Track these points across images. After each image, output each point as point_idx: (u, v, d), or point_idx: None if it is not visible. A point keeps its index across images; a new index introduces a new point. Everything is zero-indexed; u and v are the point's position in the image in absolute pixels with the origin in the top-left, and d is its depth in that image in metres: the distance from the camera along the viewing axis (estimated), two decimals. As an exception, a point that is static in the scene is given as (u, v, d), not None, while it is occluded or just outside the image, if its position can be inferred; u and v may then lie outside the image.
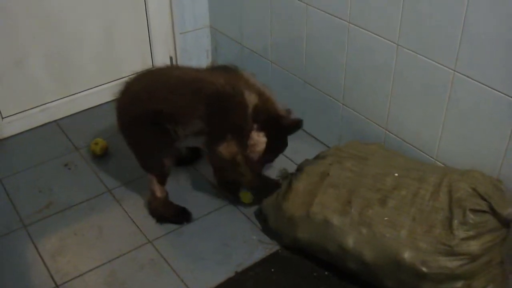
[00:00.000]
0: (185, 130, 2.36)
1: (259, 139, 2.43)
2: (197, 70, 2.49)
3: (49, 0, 2.97)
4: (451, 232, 1.98)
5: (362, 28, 2.46)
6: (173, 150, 2.45)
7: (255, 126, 2.40)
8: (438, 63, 2.20)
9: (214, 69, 2.52)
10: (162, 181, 2.50)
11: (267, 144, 2.45)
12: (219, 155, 2.37)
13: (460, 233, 1.97)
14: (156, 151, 2.42)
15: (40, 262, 2.36)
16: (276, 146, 2.54)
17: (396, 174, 2.22)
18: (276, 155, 2.62)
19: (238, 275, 2.29)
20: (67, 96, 3.25)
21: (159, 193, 2.51)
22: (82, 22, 3.13)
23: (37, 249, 2.42)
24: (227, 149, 2.36)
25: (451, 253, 1.96)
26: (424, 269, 1.97)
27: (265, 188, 2.55)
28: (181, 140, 2.40)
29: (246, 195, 2.59)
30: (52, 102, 3.21)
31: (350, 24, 2.51)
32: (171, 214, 2.53)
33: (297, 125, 2.51)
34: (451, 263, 1.96)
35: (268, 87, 2.50)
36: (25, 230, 2.50)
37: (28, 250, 2.41)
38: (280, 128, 2.47)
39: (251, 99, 2.35)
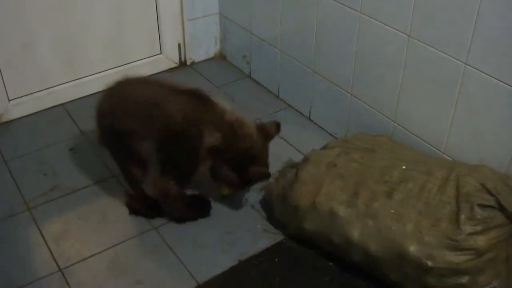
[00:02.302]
0: (139, 149, 2.28)
1: (226, 175, 2.32)
2: (162, 90, 2.32)
3: (58, -18, 2.96)
4: (458, 227, 1.96)
5: (373, 19, 2.43)
6: (139, 161, 2.33)
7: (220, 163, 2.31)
8: (450, 56, 2.18)
9: (182, 93, 2.28)
10: (132, 187, 2.44)
11: (239, 178, 2.33)
12: (155, 183, 2.34)
13: (467, 228, 1.95)
14: (122, 161, 2.41)
15: (44, 245, 2.35)
16: (248, 183, 2.39)
17: (404, 167, 2.21)
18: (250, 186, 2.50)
19: (242, 264, 2.28)
20: (74, 80, 3.23)
21: (131, 192, 2.47)
22: (91, 6, 3.11)
23: (40, 232, 2.41)
24: (163, 185, 2.33)
25: (457, 247, 1.94)
26: (429, 263, 1.96)
27: (187, 219, 2.48)
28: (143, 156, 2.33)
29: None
30: (59, 85, 3.19)
31: (361, 14, 2.48)
32: (143, 208, 2.48)
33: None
34: (457, 258, 1.94)
35: (245, 117, 2.32)
36: (29, 213, 2.50)
37: (31, 233, 2.41)
38: (246, 175, 2.32)
39: (210, 139, 2.22)
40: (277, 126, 2.43)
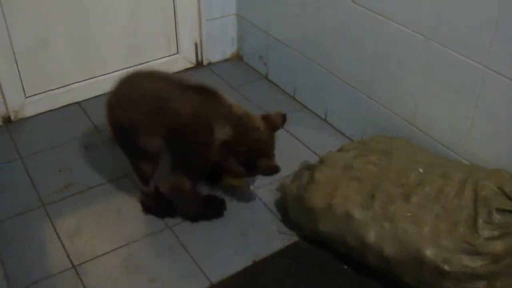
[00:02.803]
0: (145, 144, 2.28)
1: (235, 168, 2.31)
2: (168, 85, 2.29)
3: (77, -20, 2.97)
4: (476, 231, 1.94)
5: (390, 20, 2.41)
6: (148, 156, 2.34)
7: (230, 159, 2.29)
8: (468, 59, 2.16)
9: (190, 88, 2.26)
10: (143, 183, 2.44)
11: (246, 171, 2.32)
12: (169, 183, 2.34)
13: (485, 232, 1.93)
14: (130, 155, 2.41)
15: (58, 242, 2.35)
16: (256, 173, 2.39)
17: (421, 170, 2.19)
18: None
19: (256, 265, 2.27)
20: (90, 78, 3.24)
21: (144, 188, 2.46)
22: (108, 4, 3.12)
23: (55, 229, 2.41)
24: (175, 182, 2.32)
25: (475, 252, 1.92)
26: (446, 267, 1.93)
27: (202, 218, 2.47)
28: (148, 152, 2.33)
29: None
30: (75, 83, 3.20)
31: (379, 16, 2.46)
32: (156, 207, 2.48)
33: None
34: (474, 263, 1.92)
35: (251, 111, 2.32)
36: (44, 210, 2.50)
37: (46, 230, 2.41)
38: (256, 169, 2.31)
39: (222, 134, 2.20)
40: (283, 117, 2.41)
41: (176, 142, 2.23)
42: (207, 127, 2.19)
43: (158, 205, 2.48)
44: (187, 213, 2.45)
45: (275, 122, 2.37)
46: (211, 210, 2.48)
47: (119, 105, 2.30)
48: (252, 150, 2.27)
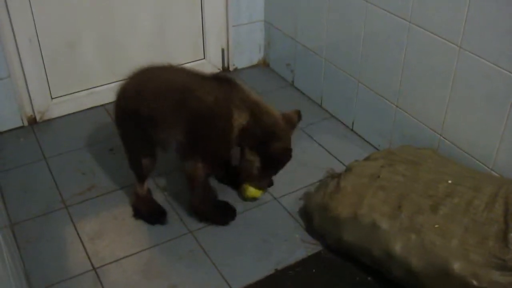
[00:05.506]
0: (164, 135, 2.29)
1: (251, 158, 2.29)
2: (189, 76, 2.33)
3: (105, -16, 2.98)
4: (506, 246, 1.88)
5: (423, 29, 2.37)
6: (153, 152, 2.38)
7: (246, 145, 2.29)
8: (502, 69, 2.11)
9: (209, 78, 2.32)
10: (139, 180, 2.45)
11: (262, 162, 2.30)
12: (185, 169, 2.34)
13: (516, 247, 1.87)
14: (135, 149, 2.40)
15: (79, 243, 2.34)
16: (272, 165, 2.36)
17: (450, 181, 2.14)
18: (275, 172, 2.42)
19: (278, 273, 2.23)
20: (116, 82, 3.23)
21: (138, 190, 2.47)
22: (136, 9, 3.12)
23: (76, 230, 2.40)
24: (191, 167, 2.31)
25: (505, 267, 1.86)
26: (474, 282, 1.87)
27: (209, 218, 2.45)
28: (162, 144, 2.35)
29: (250, 189, 2.50)
30: (101, 86, 3.21)
31: (411, 24, 2.42)
32: (147, 213, 2.47)
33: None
34: (504, 278, 1.85)
35: (265, 99, 2.32)
36: (66, 211, 2.49)
37: (67, 231, 2.40)
38: (269, 153, 2.28)
39: (241, 120, 2.22)
40: (298, 114, 2.41)
41: (198, 130, 2.23)
42: (227, 112, 2.21)
43: (149, 211, 2.48)
44: (195, 205, 2.43)
45: (292, 119, 2.37)
46: (219, 214, 2.46)
47: (141, 96, 2.28)
48: (266, 135, 2.25)
